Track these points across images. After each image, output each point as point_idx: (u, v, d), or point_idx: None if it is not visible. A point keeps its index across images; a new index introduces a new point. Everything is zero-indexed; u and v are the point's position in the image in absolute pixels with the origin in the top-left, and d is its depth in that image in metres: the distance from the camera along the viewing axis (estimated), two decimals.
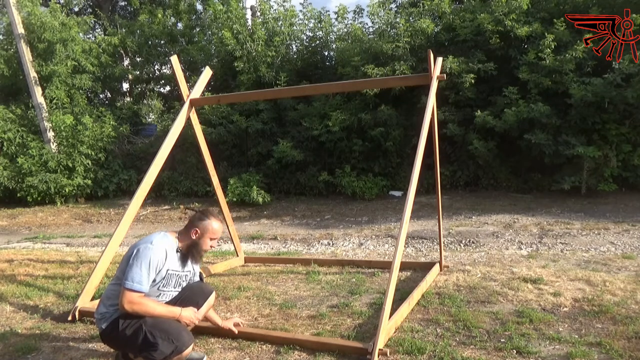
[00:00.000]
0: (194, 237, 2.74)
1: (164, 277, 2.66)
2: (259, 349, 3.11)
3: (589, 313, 3.46)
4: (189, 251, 2.76)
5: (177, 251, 2.73)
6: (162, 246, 2.63)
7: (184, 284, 2.87)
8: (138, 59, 15.83)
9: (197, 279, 3.02)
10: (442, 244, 4.98)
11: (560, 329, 3.22)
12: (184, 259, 2.76)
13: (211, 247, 2.80)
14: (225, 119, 11.56)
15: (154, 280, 2.61)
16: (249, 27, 12.51)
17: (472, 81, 9.41)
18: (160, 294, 2.71)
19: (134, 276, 2.51)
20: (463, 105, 9.94)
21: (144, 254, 2.55)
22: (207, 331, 3.31)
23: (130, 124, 13.77)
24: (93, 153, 12.47)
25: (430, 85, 4.07)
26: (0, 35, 14.44)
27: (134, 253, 2.58)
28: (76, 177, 12.14)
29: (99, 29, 18.15)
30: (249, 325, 3.46)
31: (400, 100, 10.47)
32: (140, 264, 2.53)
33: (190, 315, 2.66)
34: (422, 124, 3.90)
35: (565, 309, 3.58)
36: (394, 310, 3.31)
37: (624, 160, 8.77)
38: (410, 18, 10.84)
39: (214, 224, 2.76)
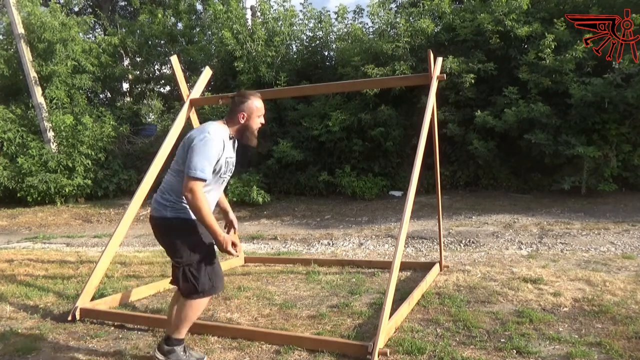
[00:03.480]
0: (242, 121, 2.78)
1: (223, 165, 2.72)
2: (259, 349, 3.11)
3: (589, 313, 3.46)
4: (242, 135, 2.81)
5: (229, 138, 2.78)
6: (219, 136, 2.66)
7: (233, 168, 2.91)
8: (138, 59, 15.83)
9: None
10: (442, 244, 4.98)
11: (560, 329, 3.22)
12: (234, 145, 2.85)
13: (261, 124, 2.86)
14: None
15: (214, 170, 2.66)
16: (249, 27, 12.50)
17: (472, 81, 9.41)
18: (222, 180, 2.79)
19: (196, 164, 2.52)
20: (463, 105, 9.94)
21: (205, 144, 2.57)
22: (207, 331, 3.31)
23: (130, 124, 13.77)
24: (93, 153, 12.46)
25: (430, 85, 4.07)
26: (0, 35, 14.45)
27: (194, 143, 2.59)
28: (76, 177, 12.13)
29: (99, 29, 18.16)
30: (249, 325, 3.46)
31: (400, 100, 10.47)
32: (202, 154, 2.55)
33: (227, 240, 2.63)
34: (422, 124, 3.90)
35: (565, 309, 3.58)
36: (394, 310, 3.30)
37: (624, 160, 8.76)
38: (410, 18, 10.84)
39: (256, 102, 2.80)
